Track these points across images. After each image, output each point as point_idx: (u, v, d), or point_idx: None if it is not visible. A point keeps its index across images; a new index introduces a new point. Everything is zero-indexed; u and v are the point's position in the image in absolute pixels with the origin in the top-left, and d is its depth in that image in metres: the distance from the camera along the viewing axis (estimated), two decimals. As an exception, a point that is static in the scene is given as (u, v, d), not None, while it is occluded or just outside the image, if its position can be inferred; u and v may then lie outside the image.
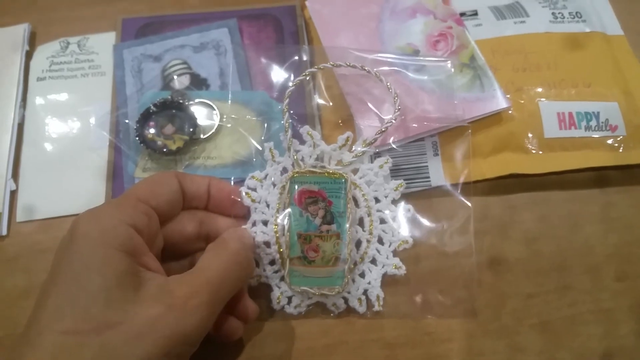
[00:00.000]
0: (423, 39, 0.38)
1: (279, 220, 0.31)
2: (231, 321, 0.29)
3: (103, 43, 0.42)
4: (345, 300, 0.32)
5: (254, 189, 0.33)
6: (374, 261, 0.32)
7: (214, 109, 0.37)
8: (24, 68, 0.41)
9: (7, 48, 0.41)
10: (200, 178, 0.31)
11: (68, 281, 0.23)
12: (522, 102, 0.37)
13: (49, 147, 0.38)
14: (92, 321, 0.22)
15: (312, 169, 0.32)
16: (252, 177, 0.33)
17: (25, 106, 0.40)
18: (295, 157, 0.32)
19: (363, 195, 0.33)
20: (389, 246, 0.32)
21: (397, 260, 0.32)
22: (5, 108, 0.39)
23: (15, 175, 0.37)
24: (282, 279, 0.31)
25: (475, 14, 0.41)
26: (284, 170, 0.33)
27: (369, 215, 0.33)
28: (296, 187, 0.31)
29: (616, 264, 0.33)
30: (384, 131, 0.33)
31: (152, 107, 0.37)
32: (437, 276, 0.33)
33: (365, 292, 0.32)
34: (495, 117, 0.36)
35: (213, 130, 0.37)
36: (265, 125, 0.36)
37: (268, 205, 0.32)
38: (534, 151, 0.36)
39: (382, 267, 0.32)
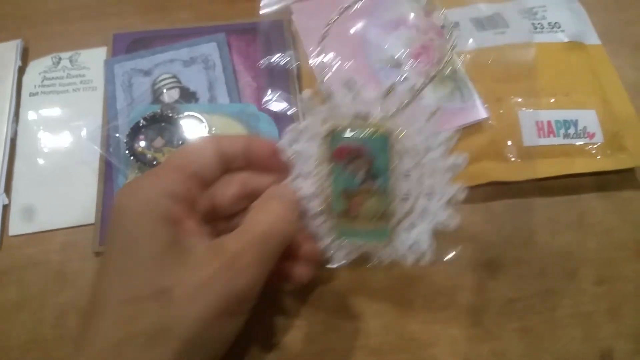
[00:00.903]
0: (406, 51, 0.40)
1: (321, 175, 0.29)
2: (297, 267, 0.29)
3: (94, 58, 0.43)
4: (392, 253, 0.30)
5: (294, 143, 0.30)
6: (421, 215, 0.30)
7: (203, 122, 0.38)
8: (17, 83, 0.42)
9: (0, 64, 0.42)
10: (239, 138, 0.30)
11: (119, 253, 0.24)
12: (502, 111, 0.38)
13: (41, 161, 0.39)
14: (146, 288, 0.23)
15: (353, 122, 0.28)
16: (291, 130, 0.30)
17: (18, 121, 0.40)
18: (334, 110, 0.29)
19: (408, 148, 0.29)
20: (439, 200, 0.29)
21: (446, 215, 0.29)
22: (-2, 123, 0.40)
23: (7, 189, 0.38)
24: (327, 232, 0.30)
25: (456, 26, 0.42)
26: (324, 121, 0.29)
27: (417, 166, 0.29)
28: (337, 142, 0.28)
29: (595, 268, 0.34)
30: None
31: (142, 121, 0.37)
32: (418, 282, 0.34)
33: (411, 247, 0.30)
34: (475, 127, 0.37)
35: (202, 143, 0.38)
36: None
37: (309, 159, 0.30)
38: (513, 159, 0.37)
39: (431, 219, 0.29)
